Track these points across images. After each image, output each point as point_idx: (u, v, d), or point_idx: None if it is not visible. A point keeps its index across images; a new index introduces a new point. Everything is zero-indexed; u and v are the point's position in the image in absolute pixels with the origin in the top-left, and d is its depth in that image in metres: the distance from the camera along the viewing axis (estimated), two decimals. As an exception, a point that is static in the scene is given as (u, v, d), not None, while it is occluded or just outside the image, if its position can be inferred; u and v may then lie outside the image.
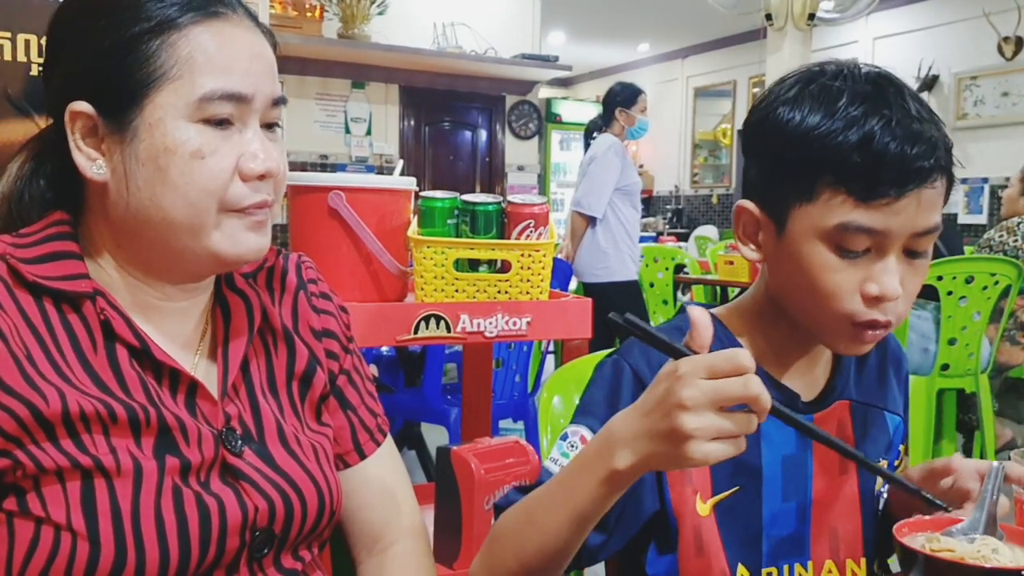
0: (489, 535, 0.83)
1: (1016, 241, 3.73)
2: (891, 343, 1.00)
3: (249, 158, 0.76)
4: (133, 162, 0.75)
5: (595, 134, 4.22)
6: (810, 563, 0.90)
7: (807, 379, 0.92)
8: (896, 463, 0.98)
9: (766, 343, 0.91)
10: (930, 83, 7.16)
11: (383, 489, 0.94)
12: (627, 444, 0.69)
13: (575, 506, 0.73)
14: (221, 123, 0.75)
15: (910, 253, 0.81)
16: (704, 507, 0.87)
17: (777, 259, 0.86)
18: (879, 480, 0.94)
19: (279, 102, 0.80)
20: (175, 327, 0.82)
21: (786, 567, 0.90)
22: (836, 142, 0.77)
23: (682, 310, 0.95)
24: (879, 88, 0.80)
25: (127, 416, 0.73)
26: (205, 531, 0.74)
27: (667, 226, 9.77)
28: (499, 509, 0.86)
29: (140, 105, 0.74)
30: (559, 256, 4.23)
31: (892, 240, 0.79)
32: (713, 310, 0.93)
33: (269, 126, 0.80)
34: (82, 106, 0.75)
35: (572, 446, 0.85)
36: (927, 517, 0.77)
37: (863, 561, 0.93)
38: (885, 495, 0.96)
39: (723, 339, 0.89)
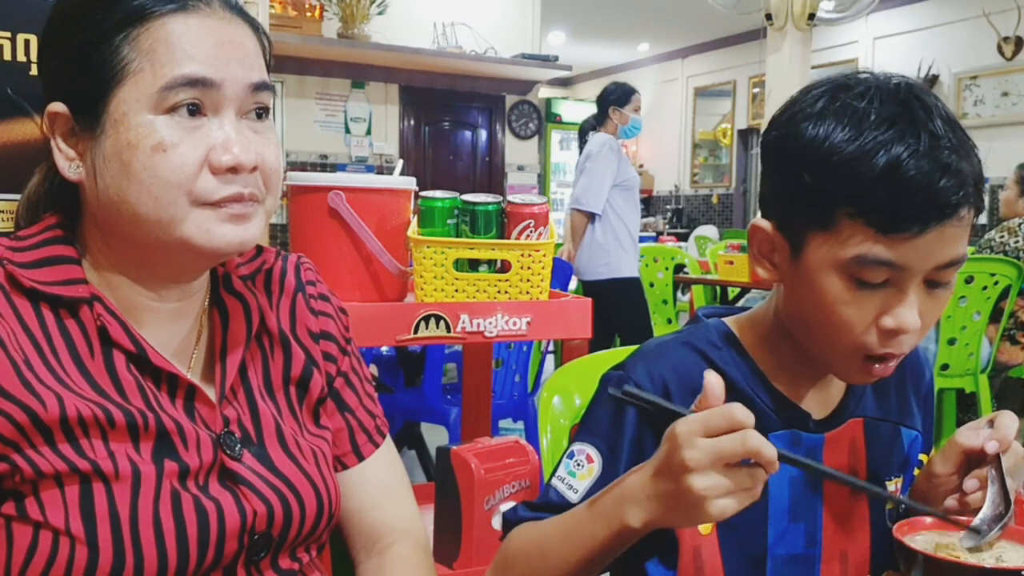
0: (500, 556, 0.85)
1: (1017, 242, 3.72)
2: (911, 357, 0.95)
3: (219, 150, 0.74)
4: (101, 159, 0.74)
5: (589, 133, 4.22)
6: None
7: (820, 397, 0.90)
8: (917, 472, 0.95)
9: (778, 361, 0.88)
10: (930, 83, 7.16)
11: (382, 490, 0.94)
12: (639, 504, 0.71)
13: (586, 550, 0.76)
14: (191, 113, 0.73)
15: (931, 284, 0.78)
16: (705, 526, 0.86)
17: (792, 283, 0.83)
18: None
19: (261, 88, 0.77)
20: (171, 330, 0.82)
21: None
22: (859, 171, 0.74)
23: (696, 318, 0.93)
24: (908, 109, 0.75)
25: (125, 421, 0.73)
26: (203, 535, 0.74)
27: (667, 226, 9.77)
28: (507, 523, 0.88)
29: (106, 101, 0.73)
30: (559, 256, 4.23)
31: (912, 274, 0.76)
32: (728, 319, 0.92)
33: (257, 116, 0.77)
34: (58, 107, 0.75)
35: (579, 464, 0.85)
36: (928, 519, 0.77)
37: None
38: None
39: (741, 359, 0.89)
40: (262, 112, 0.78)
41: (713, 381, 0.69)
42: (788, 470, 0.86)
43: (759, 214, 0.86)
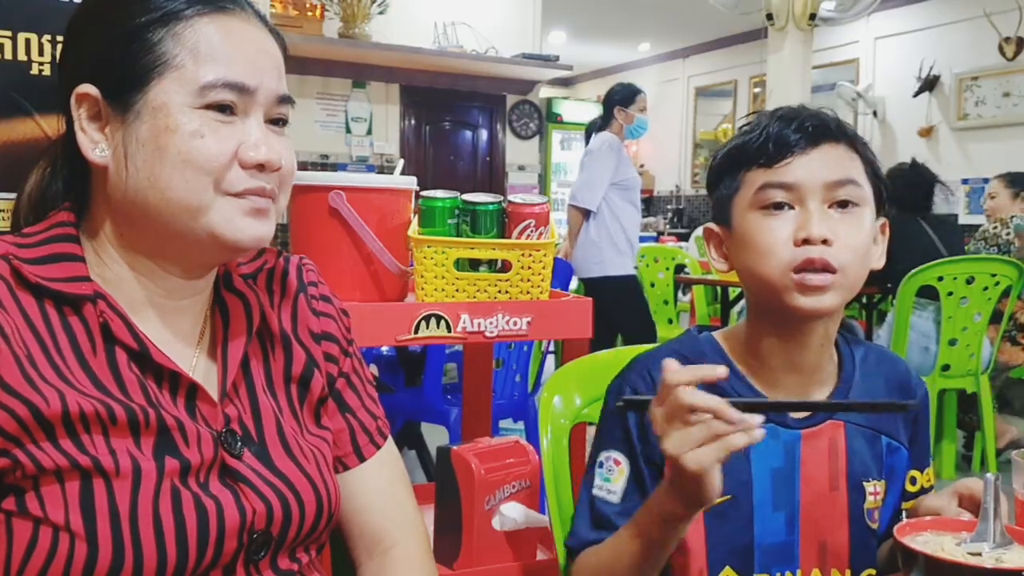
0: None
1: (1009, 234, 3.87)
2: (899, 373, 1.05)
3: (249, 147, 0.77)
4: (134, 143, 0.76)
5: (594, 133, 4.26)
6: (799, 571, 0.96)
7: (799, 396, 0.99)
8: (910, 488, 1.02)
9: (759, 363, 0.99)
10: (931, 83, 7.15)
11: (383, 492, 0.94)
12: (668, 483, 0.83)
13: (646, 548, 0.88)
14: (224, 110, 0.76)
15: (839, 206, 0.93)
16: None
17: (734, 253, 0.98)
18: (869, 498, 0.98)
19: (285, 100, 0.81)
20: (174, 327, 0.82)
21: (778, 574, 0.96)
22: (746, 142, 0.97)
23: (690, 332, 1.05)
24: (783, 107, 0.98)
25: (126, 417, 0.73)
26: (203, 533, 0.74)
27: (668, 226, 9.76)
28: (571, 552, 0.99)
29: (144, 90, 0.76)
30: (558, 255, 4.24)
31: (806, 192, 0.92)
32: (715, 332, 1.04)
33: (275, 121, 0.81)
34: (88, 88, 0.77)
35: (610, 470, 0.97)
36: (928, 518, 0.78)
37: (848, 572, 0.97)
38: (904, 516, 0.99)
39: (719, 361, 0.98)
40: (282, 121, 0.82)
41: (667, 364, 0.82)
42: (770, 462, 0.96)
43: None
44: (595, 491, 0.98)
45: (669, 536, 0.86)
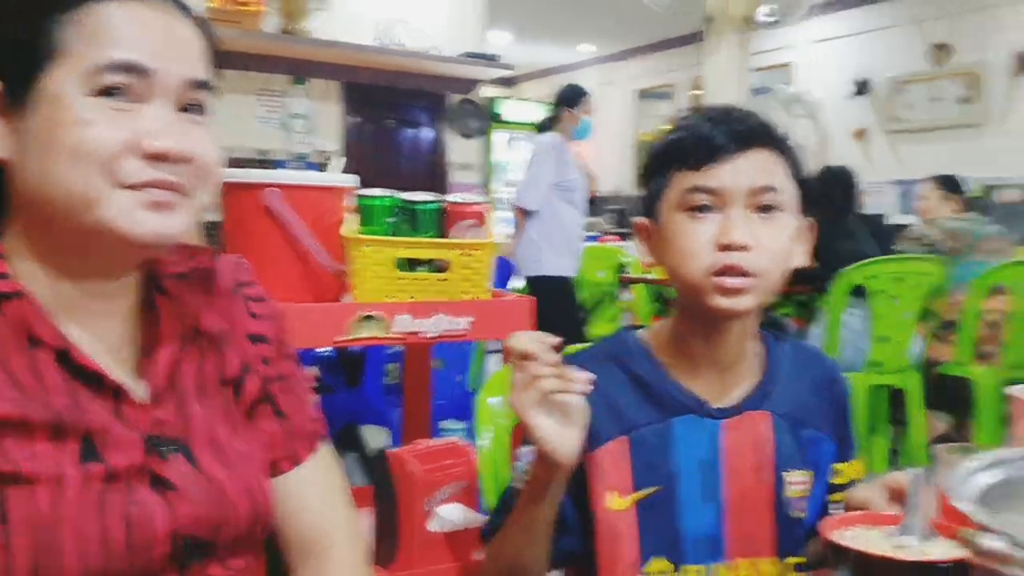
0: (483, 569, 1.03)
1: (938, 235, 3.95)
2: (825, 368, 1.09)
3: (151, 136, 0.73)
4: (30, 137, 0.73)
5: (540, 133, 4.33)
6: (728, 561, 0.99)
7: (720, 388, 1.02)
8: (835, 480, 1.04)
9: (681, 357, 1.03)
10: (863, 87, 7.34)
11: (318, 495, 0.92)
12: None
13: (523, 519, 0.94)
14: (116, 94, 0.73)
15: (759, 210, 0.96)
16: (621, 502, 0.98)
17: (659, 250, 1.01)
18: (795, 487, 1.00)
19: (200, 86, 0.77)
20: (101, 330, 0.79)
21: (713, 565, 0.98)
22: (675, 141, 0.99)
23: (619, 331, 1.09)
24: (716, 107, 1.01)
25: (48, 421, 0.70)
26: (129, 540, 0.72)
27: (610, 226, 9.85)
28: (484, 537, 1.04)
29: (39, 79, 0.72)
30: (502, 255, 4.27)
31: (730, 197, 0.95)
32: (640, 331, 1.08)
33: (189, 108, 0.77)
34: None
35: (530, 463, 0.96)
36: (856, 513, 0.80)
37: (775, 560, 1.00)
38: (831, 510, 1.01)
39: (645, 358, 1.04)
40: (199, 109, 0.78)
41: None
42: (696, 453, 0.99)
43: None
44: (514, 483, 1.01)
45: (539, 506, 0.92)
